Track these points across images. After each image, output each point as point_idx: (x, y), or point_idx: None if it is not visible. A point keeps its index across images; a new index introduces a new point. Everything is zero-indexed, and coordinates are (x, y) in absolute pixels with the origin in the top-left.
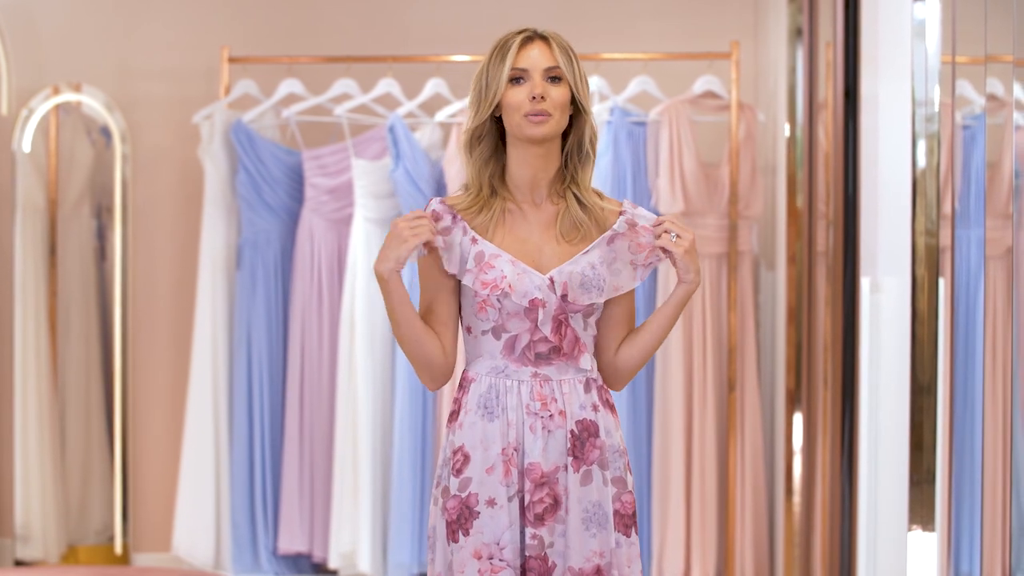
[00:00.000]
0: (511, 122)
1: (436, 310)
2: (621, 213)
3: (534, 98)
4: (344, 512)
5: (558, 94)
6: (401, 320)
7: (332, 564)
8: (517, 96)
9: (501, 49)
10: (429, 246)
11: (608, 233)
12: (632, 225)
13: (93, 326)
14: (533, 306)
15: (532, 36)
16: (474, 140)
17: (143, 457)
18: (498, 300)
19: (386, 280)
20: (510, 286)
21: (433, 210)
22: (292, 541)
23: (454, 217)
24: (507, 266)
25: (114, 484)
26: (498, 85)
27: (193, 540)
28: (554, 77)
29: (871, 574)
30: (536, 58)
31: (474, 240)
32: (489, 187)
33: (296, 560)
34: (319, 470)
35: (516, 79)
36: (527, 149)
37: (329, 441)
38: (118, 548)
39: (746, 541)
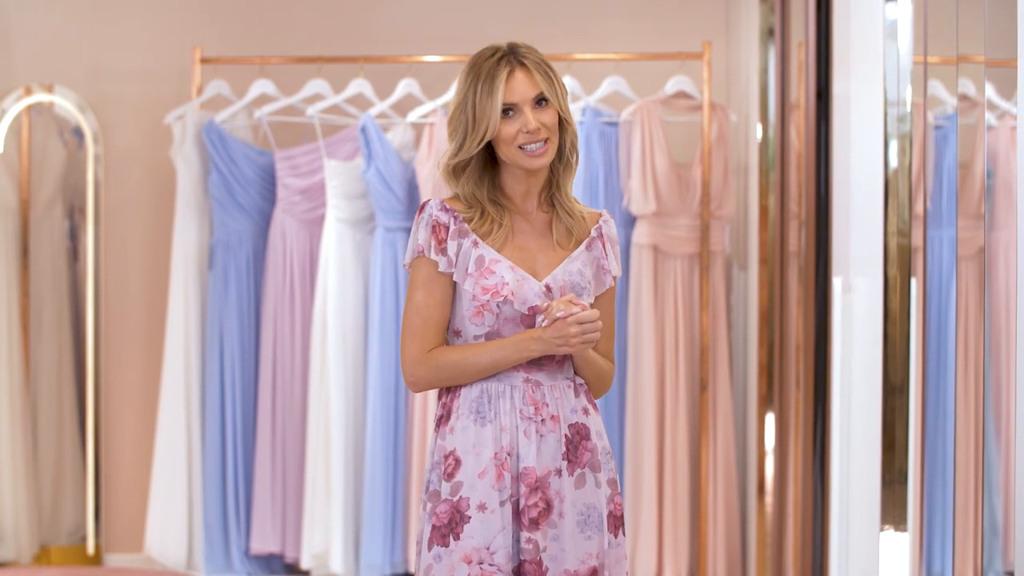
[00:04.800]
0: (507, 154)
1: (438, 314)
2: (599, 222)
3: (529, 131)
4: (316, 512)
5: (548, 118)
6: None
7: (304, 565)
8: (510, 129)
9: (487, 80)
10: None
11: (588, 239)
12: (600, 236)
13: (65, 327)
14: (532, 313)
15: (512, 67)
16: (459, 169)
17: (115, 458)
18: (498, 306)
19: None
20: (512, 293)
21: (435, 218)
22: (264, 542)
23: (455, 219)
24: (507, 272)
25: (86, 484)
26: (490, 122)
27: (165, 540)
28: (541, 101)
29: (843, 574)
30: (522, 89)
31: (475, 244)
32: (492, 204)
33: (268, 560)
34: (291, 470)
35: (505, 111)
36: (520, 171)
37: (301, 441)
38: (90, 548)
39: (718, 541)
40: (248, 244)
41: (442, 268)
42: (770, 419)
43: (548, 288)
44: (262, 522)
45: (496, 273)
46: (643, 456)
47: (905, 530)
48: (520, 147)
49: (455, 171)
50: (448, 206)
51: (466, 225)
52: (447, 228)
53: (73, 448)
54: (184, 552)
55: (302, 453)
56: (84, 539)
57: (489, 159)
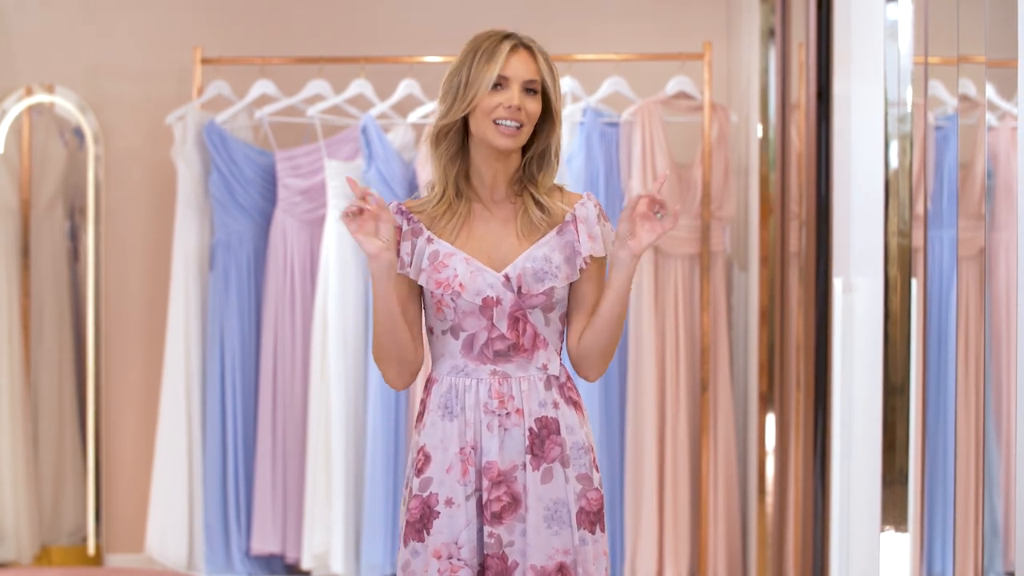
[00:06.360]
0: (479, 126)
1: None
2: (575, 205)
3: (510, 107)
4: (317, 513)
5: (533, 107)
6: (381, 311)
7: (305, 565)
8: (492, 101)
9: (487, 52)
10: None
11: (560, 224)
12: (574, 220)
13: (66, 327)
14: (487, 304)
15: (518, 44)
16: (441, 135)
17: (116, 458)
18: (452, 299)
19: (374, 278)
20: (461, 285)
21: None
22: (265, 542)
23: (409, 220)
24: (460, 265)
25: (87, 485)
26: (479, 88)
27: (166, 541)
28: (531, 89)
29: (843, 575)
30: (519, 68)
31: (429, 240)
32: (454, 187)
33: (269, 561)
34: (292, 471)
35: (495, 85)
36: (489, 153)
37: (302, 442)
38: (91, 549)
39: (719, 542)
40: (249, 244)
41: (397, 269)
42: (771, 419)
43: (507, 278)
44: (263, 522)
45: (449, 266)
46: (644, 456)
47: (906, 530)
48: (495, 121)
49: (438, 137)
50: (404, 208)
51: (420, 224)
52: (400, 230)
53: (74, 448)
54: (185, 552)
55: (302, 453)
56: (85, 539)
57: (467, 143)
